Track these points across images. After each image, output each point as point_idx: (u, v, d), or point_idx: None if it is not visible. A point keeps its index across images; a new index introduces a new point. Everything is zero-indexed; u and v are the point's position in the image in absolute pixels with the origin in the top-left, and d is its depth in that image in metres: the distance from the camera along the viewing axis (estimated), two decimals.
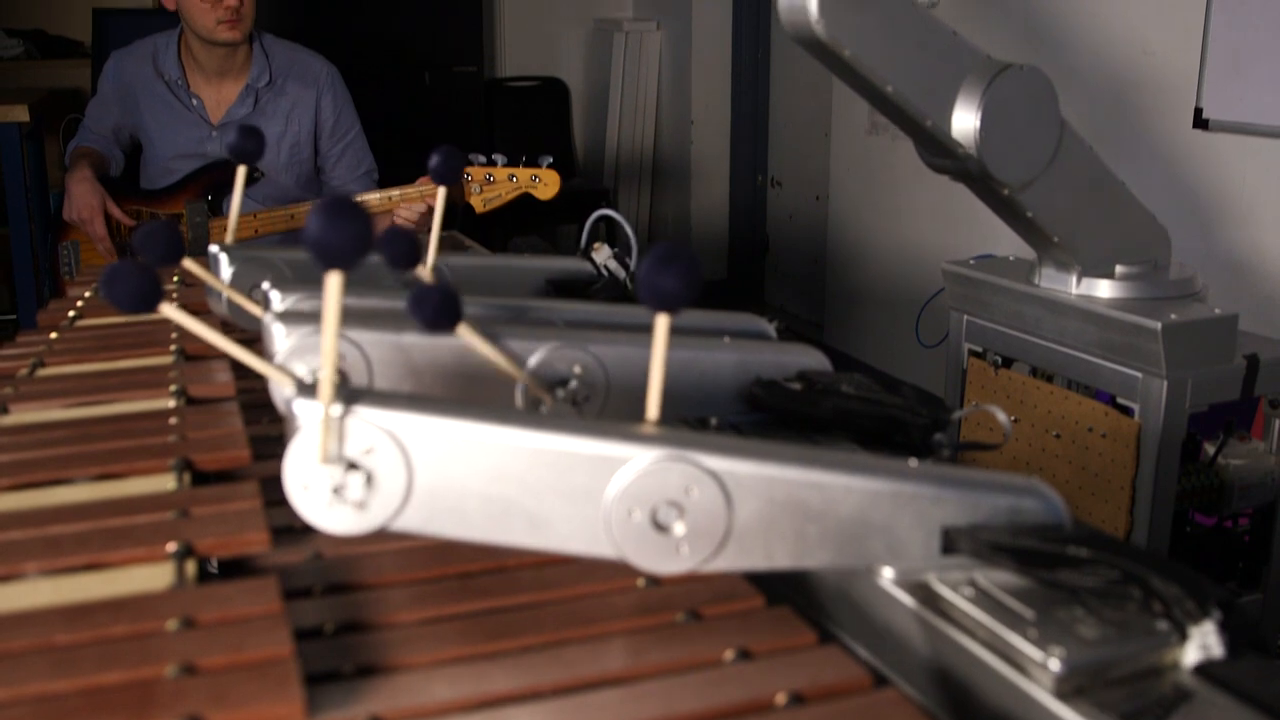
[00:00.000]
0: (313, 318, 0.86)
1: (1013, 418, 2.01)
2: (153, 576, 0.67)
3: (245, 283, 1.22)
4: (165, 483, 0.81)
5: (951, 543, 0.68)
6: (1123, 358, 1.82)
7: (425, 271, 1.24)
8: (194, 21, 2.59)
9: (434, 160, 1.17)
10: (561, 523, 0.64)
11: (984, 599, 0.65)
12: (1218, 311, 1.83)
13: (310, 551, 0.72)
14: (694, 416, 0.95)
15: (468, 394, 0.88)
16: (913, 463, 0.71)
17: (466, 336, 0.76)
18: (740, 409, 0.96)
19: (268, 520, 0.72)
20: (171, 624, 0.60)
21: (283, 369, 0.68)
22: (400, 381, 0.87)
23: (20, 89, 4.18)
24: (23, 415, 1.00)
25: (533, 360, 0.87)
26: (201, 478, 0.84)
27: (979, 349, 2.09)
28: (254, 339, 1.24)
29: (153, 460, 0.85)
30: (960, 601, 0.65)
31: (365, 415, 0.62)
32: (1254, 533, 1.98)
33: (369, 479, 0.62)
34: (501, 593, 0.67)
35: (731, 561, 0.65)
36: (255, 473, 0.85)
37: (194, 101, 2.70)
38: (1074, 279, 1.88)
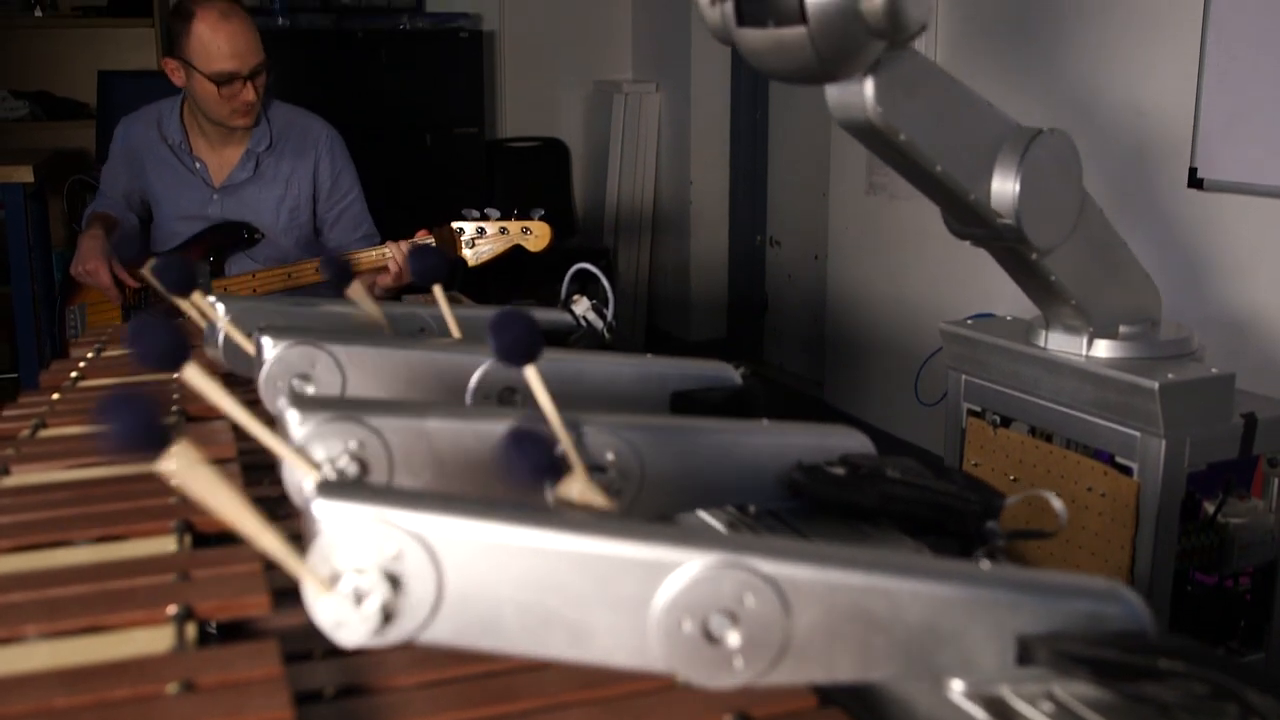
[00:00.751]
0: (329, 403, 0.82)
1: (1012, 477, 2.01)
2: (153, 639, 0.67)
3: (241, 332, 1.24)
4: (166, 545, 0.82)
5: (1027, 653, 0.63)
6: (1121, 417, 1.83)
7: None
8: (206, 108, 2.62)
9: (414, 264, 1.18)
10: (605, 634, 0.59)
11: (1063, 714, 0.60)
12: (1215, 371, 1.84)
13: (309, 615, 0.72)
14: (732, 504, 0.90)
15: (494, 485, 0.82)
16: (984, 564, 0.67)
17: (531, 379, 0.74)
18: (780, 495, 0.91)
19: (268, 582, 0.72)
20: (172, 687, 0.59)
21: (303, 454, 0.64)
22: (422, 470, 0.82)
23: (25, 150, 4.21)
24: (24, 476, 1.00)
25: (562, 445, 0.81)
26: (202, 540, 0.84)
27: (978, 408, 2.09)
28: (248, 382, 1.27)
29: (154, 522, 0.85)
30: (1037, 717, 0.60)
31: (391, 517, 0.58)
32: (1255, 591, 1.97)
33: (395, 587, 0.58)
34: (503, 655, 0.67)
35: (790, 674, 0.60)
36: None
37: (197, 165, 2.73)
38: (1084, 341, 1.88)
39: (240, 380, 1.31)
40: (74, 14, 4.82)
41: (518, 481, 0.62)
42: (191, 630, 0.67)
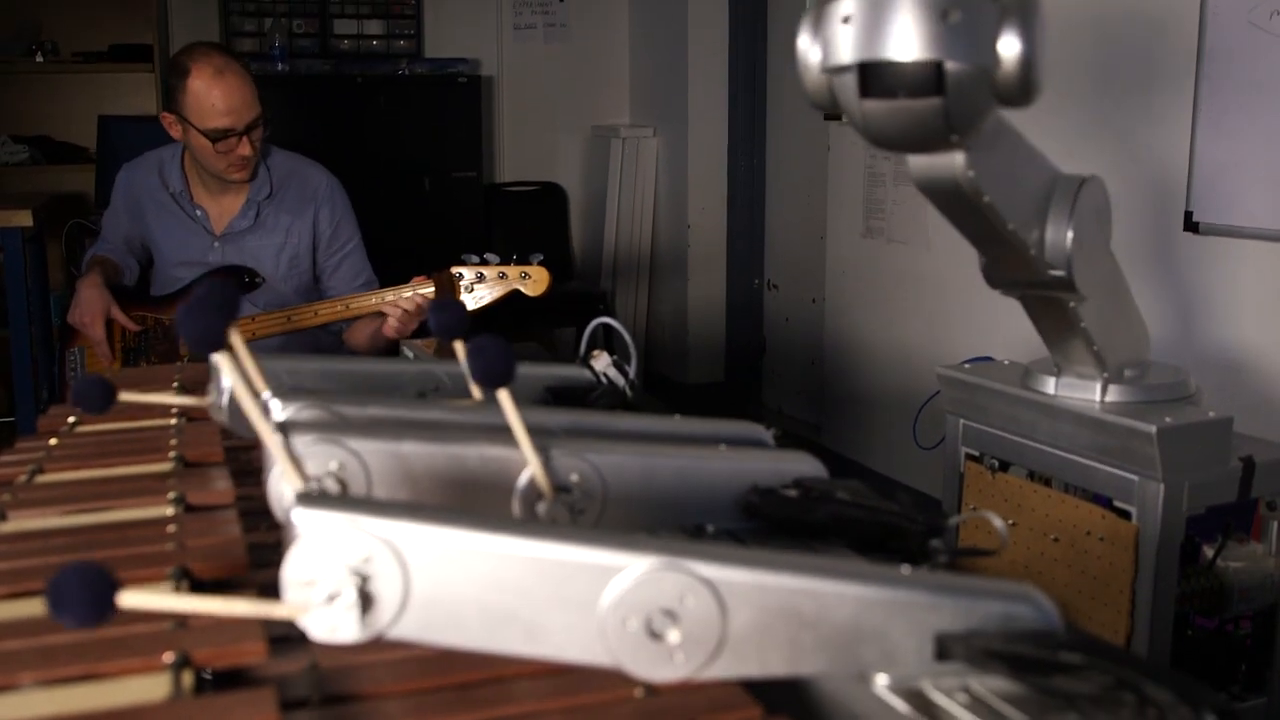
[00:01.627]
0: (312, 426, 0.87)
1: (1010, 521, 2.01)
2: (149, 687, 0.67)
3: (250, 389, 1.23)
4: (163, 591, 0.81)
5: (946, 649, 0.68)
6: (1119, 461, 1.83)
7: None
8: (205, 163, 2.64)
9: (435, 316, 1.15)
10: (558, 631, 0.64)
11: (979, 706, 0.65)
12: (1213, 414, 1.84)
13: (307, 661, 0.72)
14: (690, 524, 0.95)
15: (464, 502, 0.88)
16: (905, 569, 0.71)
17: (504, 402, 0.80)
18: (737, 517, 0.96)
19: (265, 629, 0.72)
20: None
21: (294, 464, 0.69)
22: (398, 489, 0.87)
23: (24, 194, 4.24)
24: (21, 523, 1.00)
25: (527, 471, 0.88)
26: (199, 586, 0.84)
27: (976, 452, 2.09)
28: (254, 445, 1.25)
29: (151, 568, 0.85)
30: (955, 709, 0.65)
31: (363, 524, 0.63)
32: (1256, 636, 1.96)
33: (365, 588, 0.63)
34: (499, 703, 0.67)
35: (726, 669, 0.65)
36: (253, 581, 0.85)
37: (197, 212, 2.74)
38: (1099, 386, 1.88)
39: (245, 444, 1.30)
40: (75, 59, 4.86)
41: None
42: (188, 678, 0.67)
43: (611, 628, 0.64)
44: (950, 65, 1.19)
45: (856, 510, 0.92)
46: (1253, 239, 2.53)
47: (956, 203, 1.48)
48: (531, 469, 0.87)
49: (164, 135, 2.77)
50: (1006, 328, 2.97)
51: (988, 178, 1.43)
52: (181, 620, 0.73)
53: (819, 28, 1.30)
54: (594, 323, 1.54)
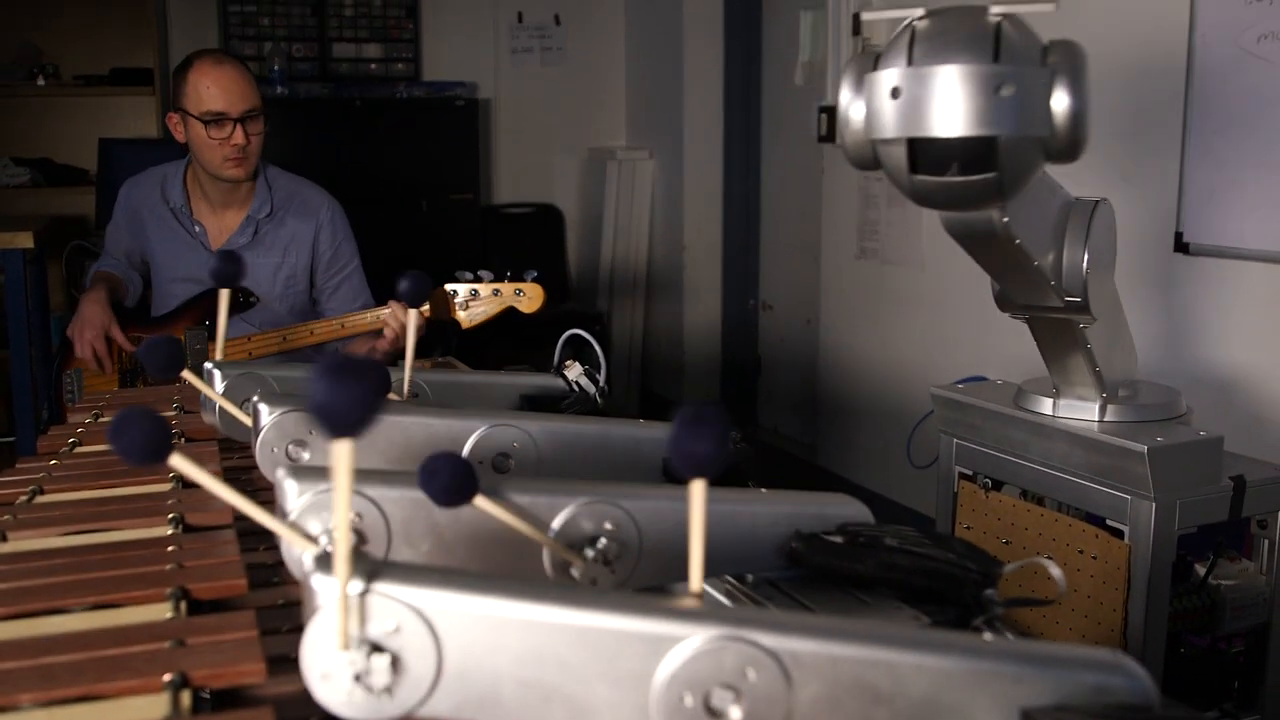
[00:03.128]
0: (326, 473, 0.81)
1: (1004, 540, 2.02)
2: (147, 707, 0.67)
3: (238, 397, 1.26)
4: (162, 612, 0.82)
5: None
6: (1111, 480, 1.84)
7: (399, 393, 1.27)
8: (201, 157, 2.66)
9: (402, 284, 1.23)
10: (606, 710, 0.59)
11: None
12: (1203, 434, 1.86)
13: (305, 683, 0.73)
14: (730, 573, 0.90)
15: (494, 553, 0.83)
16: (987, 636, 0.67)
17: (485, 507, 0.73)
18: (779, 564, 0.91)
19: (264, 650, 0.72)
20: None
21: (298, 529, 0.63)
22: (421, 541, 0.81)
23: (25, 216, 4.25)
24: (20, 543, 1.01)
25: (561, 517, 0.82)
26: (198, 606, 0.85)
27: (969, 472, 2.10)
28: (245, 447, 1.28)
29: (149, 589, 0.86)
30: None
31: (390, 591, 0.58)
32: (1248, 654, 1.97)
33: (395, 662, 0.58)
34: None
35: None
36: (252, 601, 0.86)
37: (196, 228, 2.75)
38: (1097, 407, 1.89)
39: (237, 445, 1.33)
40: (75, 83, 4.88)
41: None
42: (186, 698, 0.68)
43: (667, 705, 0.59)
44: (1004, 139, 1.17)
45: (906, 558, 0.87)
46: (1243, 259, 2.54)
47: (988, 246, 1.46)
48: (547, 547, 0.82)
49: (163, 157, 2.79)
50: (999, 348, 2.99)
51: (1019, 222, 1.42)
52: (180, 640, 0.74)
53: (863, 90, 1.25)
54: (566, 334, 1.58)
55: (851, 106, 1.27)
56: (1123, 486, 1.82)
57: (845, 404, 4.23)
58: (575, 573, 0.83)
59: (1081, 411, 1.91)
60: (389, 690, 0.58)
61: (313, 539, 0.79)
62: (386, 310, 2.52)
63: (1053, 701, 0.62)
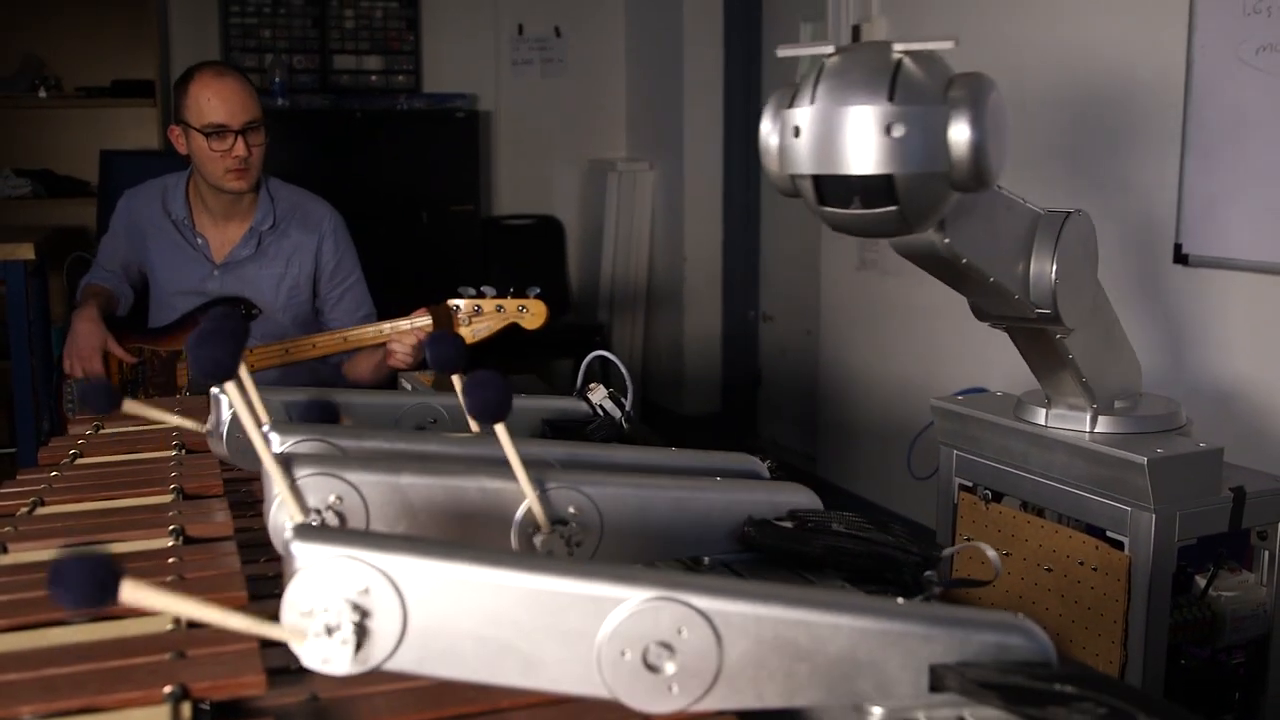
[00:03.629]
0: (311, 460, 0.88)
1: (1004, 552, 2.02)
2: (148, 719, 0.68)
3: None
4: (162, 624, 0.82)
5: (939, 680, 0.68)
6: (1111, 492, 1.84)
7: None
8: (203, 169, 2.66)
9: (430, 351, 1.17)
10: (554, 664, 0.64)
11: None
12: (1203, 445, 1.85)
13: (306, 693, 0.73)
14: (687, 556, 0.96)
15: (462, 534, 0.88)
16: (899, 600, 0.72)
17: (501, 436, 0.81)
18: (733, 548, 0.97)
19: (264, 661, 0.73)
20: None
21: (295, 497, 0.70)
22: (396, 522, 0.88)
23: (26, 227, 4.26)
24: (21, 554, 1.01)
25: (527, 499, 0.88)
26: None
27: (969, 483, 2.10)
28: (254, 478, 1.26)
29: None
30: None
31: (362, 556, 0.63)
32: (1249, 665, 1.97)
33: (364, 619, 0.63)
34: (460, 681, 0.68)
35: (722, 701, 0.66)
36: (253, 613, 0.86)
37: (199, 241, 2.76)
38: (1088, 417, 1.89)
39: (244, 476, 1.31)
40: (77, 94, 4.89)
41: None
42: (187, 710, 0.68)
43: (608, 660, 0.64)
44: (900, 175, 1.21)
45: (851, 542, 0.93)
46: (1242, 270, 2.55)
47: (936, 265, 1.50)
48: (528, 502, 0.88)
49: (164, 168, 2.79)
50: (999, 359, 2.99)
51: (964, 242, 1.45)
52: (180, 652, 0.75)
53: (777, 123, 1.31)
54: (590, 356, 1.56)
55: (770, 138, 1.34)
56: (1123, 498, 1.82)
57: (845, 415, 4.23)
58: (538, 544, 0.89)
59: (1074, 423, 1.92)
60: (359, 645, 0.63)
61: (307, 509, 0.85)
62: (389, 326, 2.53)
63: (959, 659, 0.68)
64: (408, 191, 5.17)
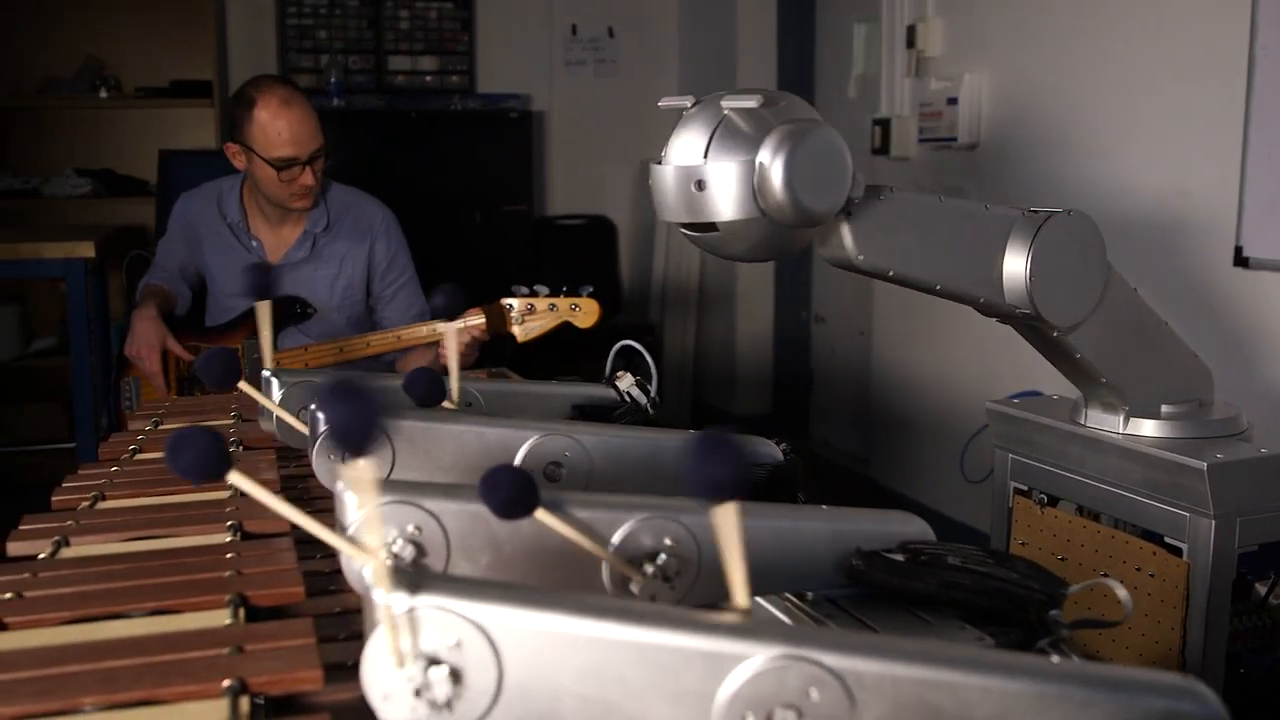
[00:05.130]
0: (387, 487, 0.82)
1: (1060, 557, 1.99)
2: (206, 713, 0.68)
3: (294, 405, 1.27)
4: (220, 618, 0.83)
5: None
6: (1170, 497, 1.81)
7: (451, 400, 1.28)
8: (267, 190, 2.68)
9: (436, 299, 1.25)
10: None
11: None
12: (1264, 451, 1.82)
13: (362, 690, 0.73)
14: (788, 590, 0.89)
15: (553, 567, 0.82)
16: (1054, 659, 0.65)
17: (546, 520, 0.73)
18: (838, 581, 0.90)
19: (321, 657, 0.73)
20: None
21: (358, 544, 0.61)
22: (480, 555, 0.82)
23: (87, 226, 4.32)
24: (83, 548, 1.03)
25: (620, 532, 0.82)
26: (256, 613, 0.85)
27: (1024, 487, 2.08)
28: (302, 454, 1.28)
29: (208, 595, 0.87)
30: None
31: (451, 606, 0.57)
32: None
33: (455, 677, 0.58)
34: None
35: None
36: (309, 609, 0.87)
37: (254, 244, 2.79)
38: (1121, 419, 1.88)
39: (294, 453, 1.34)
40: (137, 95, 4.96)
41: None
42: (245, 704, 0.69)
43: None
44: (722, 223, 1.33)
45: (969, 578, 0.86)
46: None
47: (868, 275, 1.54)
48: (607, 564, 0.82)
49: (222, 169, 2.82)
50: None
51: (889, 254, 1.51)
52: (239, 646, 0.75)
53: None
54: (618, 345, 1.58)
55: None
56: (1182, 503, 1.79)
57: (898, 417, 4.20)
58: (634, 588, 0.82)
59: (1106, 424, 1.90)
60: (449, 705, 0.57)
61: (371, 552, 0.79)
62: (441, 325, 2.54)
63: None
64: (461, 191, 5.20)
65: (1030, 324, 1.77)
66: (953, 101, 3.67)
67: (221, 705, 0.68)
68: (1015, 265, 1.67)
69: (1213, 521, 1.76)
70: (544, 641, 0.58)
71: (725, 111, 1.33)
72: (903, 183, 3.99)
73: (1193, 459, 1.76)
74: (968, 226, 1.65)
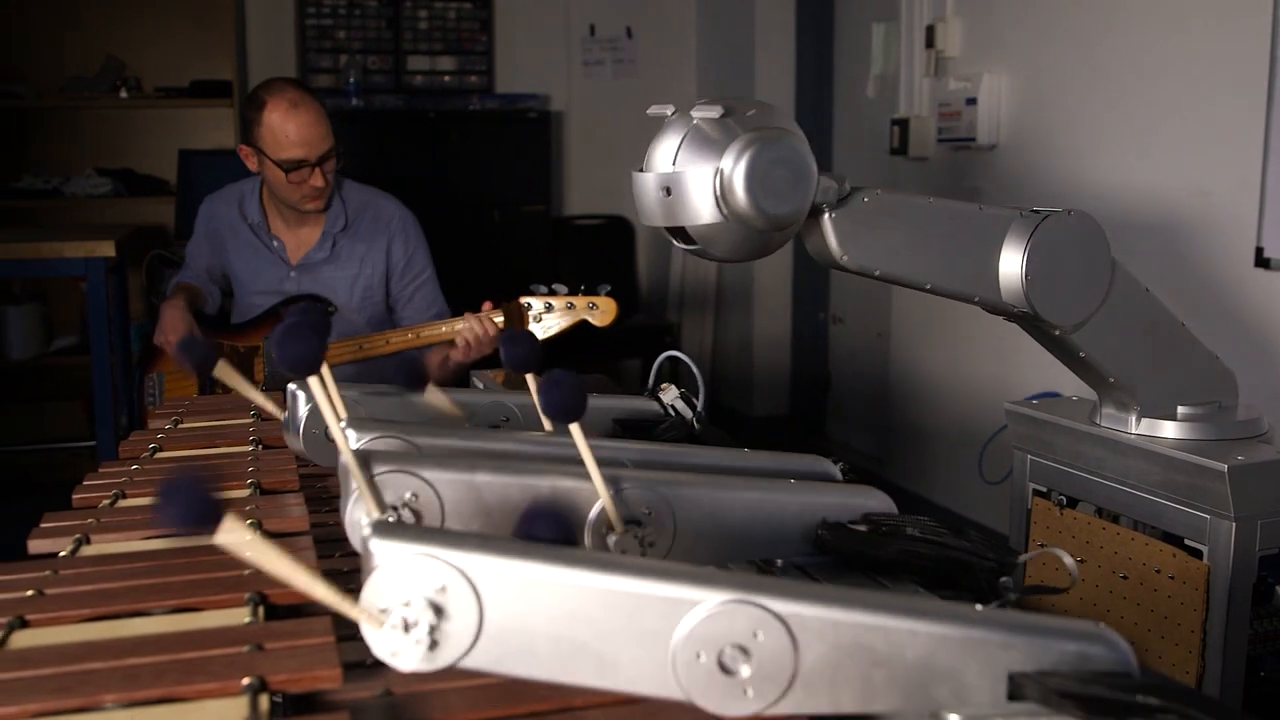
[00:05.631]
0: (388, 457, 0.89)
1: (1079, 559, 1.99)
2: (226, 710, 0.68)
3: (322, 420, 1.25)
4: (240, 616, 0.84)
5: (1018, 689, 0.67)
6: (1190, 499, 1.80)
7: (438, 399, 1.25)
8: (279, 193, 2.71)
9: (505, 352, 1.19)
10: (629, 664, 0.64)
11: None
12: None
13: (381, 688, 0.74)
14: (760, 558, 0.95)
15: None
16: (978, 608, 0.70)
17: (576, 436, 0.80)
18: (806, 551, 0.97)
19: (340, 655, 0.73)
20: None
21: (372, 494, 0.70)
22: (471, 520, 0.88)
23: (107, 225, 4.34)
24: (103, 546, 1.03)
25: (602, 499, 0.88)
26: (275, 611, 0.86)
27: (1043, 488, 2.07)
28: (329, 474, 1.28)
29: (228, 593, 0.87)
30: None
31: (440, 554, 0.63)
32: None
33: (441, 617, 0.63)
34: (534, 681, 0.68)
35: (797, 705, 0.65)
36: (328, 608, 0.87)
37: (274, 244, 2.80)
38: (1133, 419, 1.88)
39: (319, 472, 1.33)
40: (157, 95, 4.99)
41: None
42: (264, 702, 0.69)
43: (683, 661, 0.64)
44: (691, 227, 1.39)
45: (926, 546, 0.92)
46: None
47: (856, 274, 1.58)
48: (602, 501, 0.88)
49: (242, 169, 2.84)
50: None
51: (874, 253, 1.55)
52: (258, 644, 0.75)
53: None
54: (662, 356, 1.55)
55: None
56: (1202, 505, 1.78)
57: (915, 418, 4.19)
58: (611, 542, 0.89)
59: (1120, 423, 1.89)
60: (435, 642, 0.63)
61: (384, 505, 0.85)
62: (462, 323, 2.54)
63: (1039, 667, 0.67)
64: (480, 191, 5.20)
65: (1033, 323, 1.77)
66: (971, 102, 3.66)
67: (241, 703, 0.69)
68: (1011, 264, 1.68)
69: (1233, 524, 1.75)
70: (521, 586, 0.64)
71: (694, 120, 1.39)
72: (920, 183, 3.98)
73: (1213, 461, 1.76)
74: (959, 226, 1.67)
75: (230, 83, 4.90)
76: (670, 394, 1.43)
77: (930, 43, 3.88)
